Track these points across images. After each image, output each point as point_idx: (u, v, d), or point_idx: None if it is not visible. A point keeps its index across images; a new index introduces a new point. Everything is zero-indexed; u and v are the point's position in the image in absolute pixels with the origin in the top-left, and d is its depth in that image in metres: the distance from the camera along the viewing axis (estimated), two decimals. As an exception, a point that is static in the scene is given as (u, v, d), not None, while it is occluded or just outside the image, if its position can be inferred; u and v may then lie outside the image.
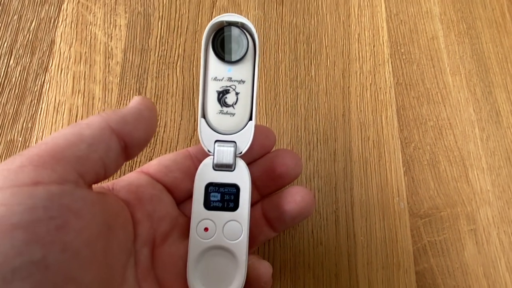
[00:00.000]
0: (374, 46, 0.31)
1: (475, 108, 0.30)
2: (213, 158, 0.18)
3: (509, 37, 0.33)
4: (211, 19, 0.30)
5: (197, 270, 0.17)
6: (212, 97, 0.18)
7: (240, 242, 0.18)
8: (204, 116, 0.18)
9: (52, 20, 0.28)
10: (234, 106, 0.18)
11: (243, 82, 0.18)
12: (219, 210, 0.18)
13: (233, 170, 0.18)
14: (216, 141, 0.18)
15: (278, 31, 0.30)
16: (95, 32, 0.28)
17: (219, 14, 0.30)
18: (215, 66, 0.18)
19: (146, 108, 0.17)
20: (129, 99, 0.27)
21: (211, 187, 0.18)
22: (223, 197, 0.18)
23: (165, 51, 0.28)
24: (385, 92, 0.30)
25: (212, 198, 0.18)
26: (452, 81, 0.31)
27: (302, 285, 0.24)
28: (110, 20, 0.28)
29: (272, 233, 0.20)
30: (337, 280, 0.24)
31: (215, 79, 0.18)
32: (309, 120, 0.28)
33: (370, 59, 0.30)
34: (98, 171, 0.15)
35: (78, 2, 0.29)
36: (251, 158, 0.20)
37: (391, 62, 0.31)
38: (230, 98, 0.18)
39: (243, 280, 0.18)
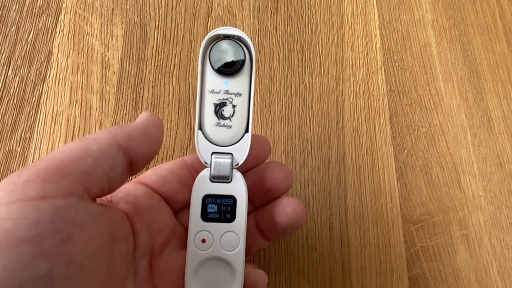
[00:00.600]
0: (367, 54, 0.31)
1: (467, 114, 0.31)
2: (210, 170, 0.18)
3: (501, 44, 0.34)
4: (207, 29, 0.30)
5: (195, 280, 0.18)
6: (209, 110, 0.18)
7: (237, 252, 0.18)
8: (201, 128, 0.18)
9: (50, 31, 0.28)
10: (231, 118, 0.18)
11: (240, 94, 0.18)
12: (216, 222, 0.18)
13: (230, 181, 0.18)
14: (213, 153, 0.18)
15: (272, 40, 0.31)
16: (92, 43, 0.28)
17: (215, 24, 0.30)
18: (212, 79, 0.18)
19: (154, 124, 0.17)
20: (126, 109, 0.27)
21: (208, 199, 0.18)
22: (220, 209, 0.18)
23: (161, 60, 0.29)
24: (378, 100, 0.30)
25: (209, 210, 0.18)
26: (444, 87, 0.31)
27: (296, 291, 0.24)
28: (107, 31, 0.29)
29: (265, 242, 0.20)
30: (331, 286, 0.25)
31: (212, 91, 0.18)
32: (303, 127, 0.28)
33: (363, 67, 0.31)
34: (103, 185, 0.15)
35: (75, 12, 0.29)
36: (246, 168, 0.20)
37: (384, 70, 0.31)
38: (227, 110, 0.18)
39: None
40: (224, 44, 0.18)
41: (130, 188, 0.19)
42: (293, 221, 0.19)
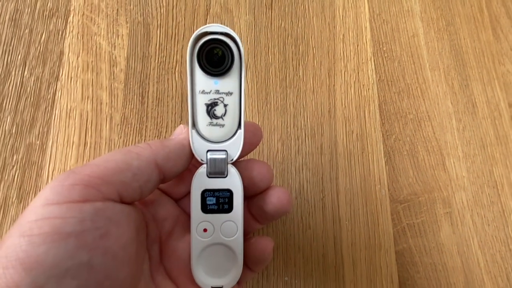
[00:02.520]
0: (358, 46, 0.33)
1: (453, 100, 0.33)
2: (207, 167, 0.19)
3: (486, 32, 0.35)
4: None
5: (199, 263, 0.20)
6: (201, 110, 0.18)
7: (236, 238, 0.19)
8: (194, 126, 0.19)
9: (60, 32, 0.30)
10: (223, 117, 0.18)
11: (231, 94, 0.18)
12: (215, 213, 0.19)
13: (226, 176, 0.19)
14: (208, 150, 0.19)
15: (268, 34, 0.33)
16: (99, 42, 0.31)
17: (213, 21, 0.32)
18: (202, 79, 0.18)
19: (189, 145, 0.19)
20: (134, 103, 0.29)
21: (206, 193, 0.19)
22: (218, 201, 0.19)
23: (164, 57, 0.31)
24: (368, 89, 0.32)
25: (208, 202, 0.19)
26: (431, 76, 0.33)
27: (293, 265, 0.27)
28: (113, 30, 0.31)
29: (258, 225, 0.22)
30: (324, 260, 0.27)
31: (203, 92, 0.18)
32: (297, 117, 0.31)
33: (354, 58, 0.33)
34: (135, 196, 0.17)
35: (83, 14, 0.31)
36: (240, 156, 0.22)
37: (374, 60, 0.33)
38: (218, 110, 0.18)
39: (240, 268, 0.20)
40: (212, 44, 0.17)
41: None
42: (279, 209, 0.20)
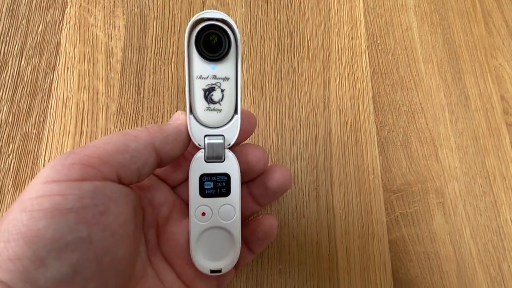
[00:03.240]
0: (352, 39, 0.34)
1: (446, 93, 0.33)
2: (204, 152, 0.19)
3: (479, 26, 0.36)
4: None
5: (198, 247, 0.20)
6: (198, 95, 0.18)
7: (234, 221, 0.20)
8: (192, 112, 0.19)
9: (57, 23, 0.31)
10: (220, 102, 0.19)
11: (228, 79, 0.18)
12: (213, 197, 0.20)
13: (223, 160, 0.19)
14: (206, 135, 0.19)
15: (263, 27, 0.33)
16: (96, 33, 0.31)
17: (209, 13, 0.32)
18: (199, 64, 0.18)
19: (186, 130, 0.19)
20: (130, 93, 0.29)
21: (204, 177, 0.19)
22: (216, 185, 0.19)
23: (161, 48, 0.31)
24: (362, 81, 0.32)
25: (206, 187, 0.19)
26: (425, 68, 0.34)
27: (287, 252, 0.27)
28: (110, 22, 0.31)
29: (258, 207, 0.23)
30: (318, 248, 0.28)
31: (200, 77, 0.18)
32: (292, 108, 0.31)
33: (348, 51, 0.33)
34: (132, 178, 0.18)
35: (80, 6, 0.31)
36: (235, 143, 0.22)
37: (368, 53, 0.33)
38: (216, 95, 0.19)
39: (238, 250, 0.20)
40: (209, 30, 0.17)
41: None
42: (282, 185, 0.21)
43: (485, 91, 0.34)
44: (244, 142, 0.22)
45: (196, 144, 0.19)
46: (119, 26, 0.31)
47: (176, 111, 0.29)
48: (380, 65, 0.33)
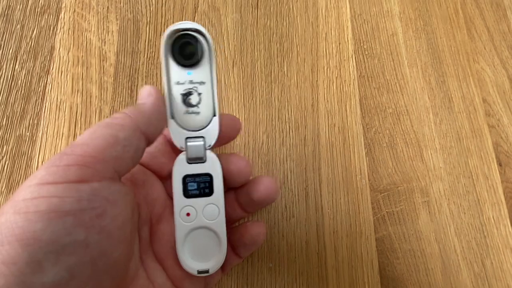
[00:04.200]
0: (339, 44, 0.35)
1: (430, 96, 0.34)
2: (186, 154, 0.20)
3: (461, 32, 0.37)
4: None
5: (185, 248, 0.20)
6: (177, 100, 0.20)
7: (218, 220, 0.20)
8: (172, 116, 0.20)
9: (52, 28, 0.31)
10: (198, 105, 0.20)
11: (204, 83, 0.20)
12: (197, 197, 0.20)
13: (205, 161, 0.20)
14: (187, 138, 0.20)
15: (254, 32, 0.34)
16: (90, 38, 0.31)
17: (201, 19, 0.33)
18: (176, 71, 0.19)
19: (162, 103, 0.19)
20: (123, 97, 0.30)
21: (188, 178, 0.20)
22: (199, 186, 0.20)
23: (153, 53, 0.32)
24: (349, 84, 0.33)
25: (189, 188, 0.20)
26: (410, 72, 0.35)
27: (277, 251, 0.28)
28: (103, 27, 0.32)
29: (245, 214, 0.23)
30: (307, 247, 0.28)
31: (178, 83, 0.20)
32: (282, 110, 0.32)
33: (336, 55, 0.34)
34: (128, 166, 0.18)
35: (74, 11, 0.32)
36: (220, 144, 0.22)
37: (355, 58, 0.34)
38: (193, 99, 0.20)
39: (225, 251, 0.21)
40: (184, 39, 0.19)
41: None
42: (266, 197, 0.21)
43: (467, 94, 0.35)
44: (233, 152, 0.22)
45: (178, 147, 0.20)
46: (113, 31, 0.32)
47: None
48: (367, 69, 0.34)
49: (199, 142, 0.20)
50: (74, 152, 0.16)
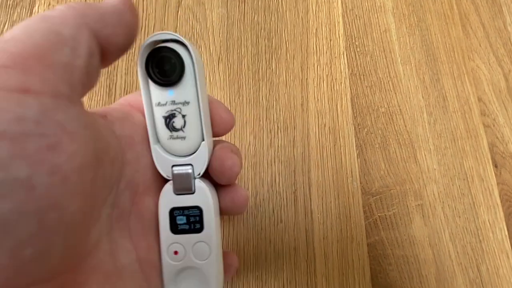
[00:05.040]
0: (330, 40, 0.33)
1: (424, 94, 0.33)
2: (173, 183, 0.17)
3: (456, 28, 0.36)
4: (177, 18, 0.32)
5: None
6: (160, 124, 0.17)
7: (209, 261, 0.18)
8: (157, 142, 0.17)
9: (24, 22, 0.29)
10: (183, 129, 0.17)
11: (188, 103, 0.17)
12: (186, 233, 0.18)
13: (193, 192, 0.18)
14: (173, 165, 0.17)
15: (240, 27, 0.32)
16: (66, 33, 0.30)
17: (185, 13, 0.32)
18: (156, 91, 0.17)
19: (129, 9, 0.14)
20: (100, 95, 0.28)
21: (176, 211, 0.18)
22: (188, 220, 0.18)
23: (134, 49, 0.30)
24: (341, 83, 0.32)
25: (178, 222, 0.18)
26: (403, 70, 0.34)
27: (264, 259, 0.26)
28: (80, 21, 0.30)
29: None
30: (296, 253, 0.27)
31: (159, 104, 0.17)
32: (270, 110, 0.30)
33: (326, 52, 0.33)
34: (84, 82, 0.13)
35: (49, 4, 0.30)
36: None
37: (346, 55, 0.33)
38: (177, 121, 0.17)
39: None
40: (159, 53, 0.16)
41: (127, 111, 0.17)
42: (234, 210, 0.19)
43: (462, 93, 0.34)
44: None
45: (164, 175, 0.17)
46: (90, 26, 0.30)
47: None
48: (359, 66, 0.33)
49: (187, 171, 0.17)
50: (6, 49, 0.11)
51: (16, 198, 0.10)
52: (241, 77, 0.31)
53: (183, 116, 0.17)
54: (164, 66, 0.16)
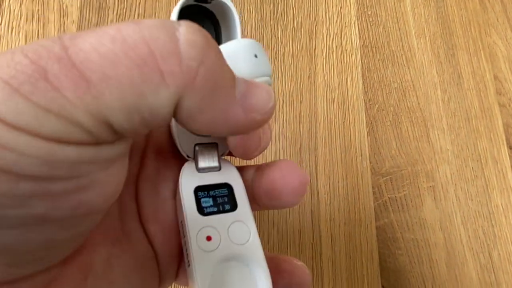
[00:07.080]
0: (341, 8, 0.31)
1: (438, 70, 0.31)
2: (197, 162, 0.16)
3: (473, 1, 0.34)
4: (173, -23, 0.28)
5: None
6: None
7: (251, 243, 0.14)
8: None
9: (0, -25, 0.26)
10: None
11: None
12: (217, 214, 0.15)
13: (220, 169, 0.16)
14: (196, 144, 0.16)
15: (243, -9, 0.29)
16: (47, -11, 0.26)
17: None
18: None
19: None
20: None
21: (200, 192, 0.15)
22: (216, 201, 0.15)
23: (124, 9, 0.27)
24: (351, 54, 0.30)
25: (204, 204, 0.15)
26: (417, 43, 0.31)
27: (266, 242, 0.24)
28: (64, -24, 0.27)
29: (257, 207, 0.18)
30: (301, 236, 0.25)
31: None
32: (275, 82, 0.28)
33: (337, 21, 0.30)
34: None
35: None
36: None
37: (358, 24, 0.30)
38: None
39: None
40: (193, 17, 0.14)
41: None
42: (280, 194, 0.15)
43: (478, 70, 0.32)
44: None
45: (185, 155, 0.16)
46: (75, -18, 0.27)
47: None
48: (371, 38, 0.30)
49: (212, 148, 0.16)
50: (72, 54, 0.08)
51: (28, 229, 0.09)
52: (243, 45, 0.28)
53: None
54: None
